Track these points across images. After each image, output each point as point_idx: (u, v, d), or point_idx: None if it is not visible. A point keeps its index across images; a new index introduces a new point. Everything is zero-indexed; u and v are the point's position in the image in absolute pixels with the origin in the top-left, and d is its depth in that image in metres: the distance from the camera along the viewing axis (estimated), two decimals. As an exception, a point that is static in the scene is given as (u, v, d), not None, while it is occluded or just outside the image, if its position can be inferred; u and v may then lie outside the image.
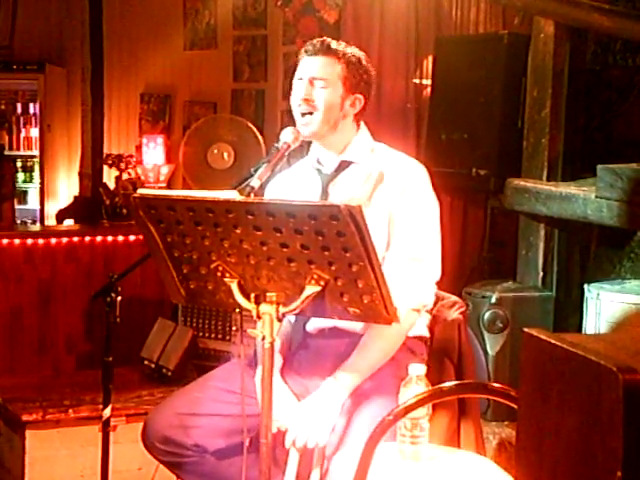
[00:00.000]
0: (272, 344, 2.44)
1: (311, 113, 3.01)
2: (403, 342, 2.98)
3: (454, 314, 3.14)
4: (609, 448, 1.28)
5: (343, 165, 3.09)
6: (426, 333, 3.12)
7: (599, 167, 4.29)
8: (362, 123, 3.16)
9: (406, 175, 3.03)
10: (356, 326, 2.98)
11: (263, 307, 2.44)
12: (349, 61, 3.05)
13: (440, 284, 3.12)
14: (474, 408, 3.06)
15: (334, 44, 3.07)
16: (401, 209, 2.99)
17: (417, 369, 2.55)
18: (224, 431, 2.99)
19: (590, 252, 5.21)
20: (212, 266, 2.49)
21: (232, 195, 2.44)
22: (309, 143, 3.16)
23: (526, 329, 1.53)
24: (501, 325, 4.65)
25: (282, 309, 2.44)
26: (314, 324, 3.08)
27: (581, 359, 1.36)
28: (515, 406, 1.69)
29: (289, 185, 3.21)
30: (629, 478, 1.25)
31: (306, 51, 3.07)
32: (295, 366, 3.09)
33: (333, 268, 2.36)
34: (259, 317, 2.44)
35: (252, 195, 2.75)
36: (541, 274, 4.96)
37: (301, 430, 2.80)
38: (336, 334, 3.03)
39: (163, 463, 3.06)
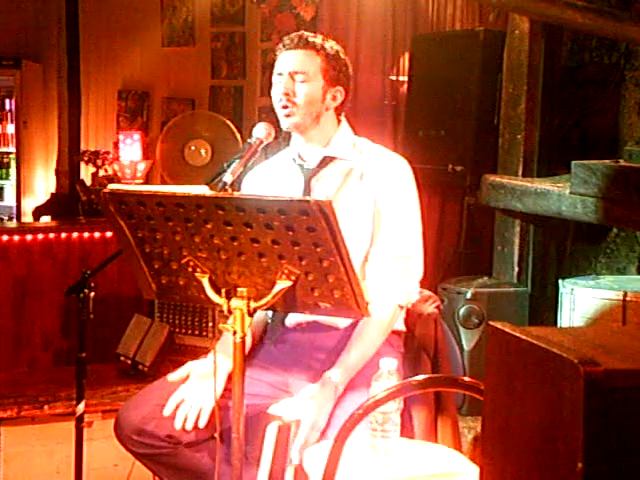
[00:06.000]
0: (243, 339, 2.45)
1: (292, 107, 3.01)
2: None
3: (429, 308, 3.15)
4: (570, 440, 1.29)
5: (326, 160, 3.08)
6: (402, 327, 3.13)
7: (574, 163, 4.31)
8: (343, 118, 3.16)
9: (392, 171, 3.04)
10: (335, 320, 2.99)
11: (234, 302, 2.44)
12: (328, 54, 3.05)
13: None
14: (451, 403, 3.07)
15: (312, 37, 3.06)
16: (388, 205, 2.99)
17: (388, 363, 2.56)
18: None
19: (566, 248, 5.24)
20: (183, 261, 2.49)
21: (202, 190, 2.44)
22: (289, 136, 3.16)
23: (491, 322, 1.54)
24: (476, 321, 4.66)
25: (253, 304, 2.44)
26: (293, 318, 3.08)
27: (544, 352, 1.37)
28: (483, 399, 1.70)
29: (268, 178, 3.20)
30: (590, 469, 1.26)
31: (284, 46, 3.06)
32: (274, 360, 3.09)
33: (304, 263, 2.36)
34: (230, 312, 2.45)
35: (230, 190, 2.75)
36: (516, 270, 4.98)
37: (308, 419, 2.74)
38: (314, 328, 3.04)
39: (136, 455, 3.03)
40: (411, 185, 3.06)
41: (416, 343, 3.12)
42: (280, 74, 3.05)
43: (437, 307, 3.19)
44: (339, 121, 3.14)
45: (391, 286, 2.94)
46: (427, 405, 2.97)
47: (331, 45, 3.09)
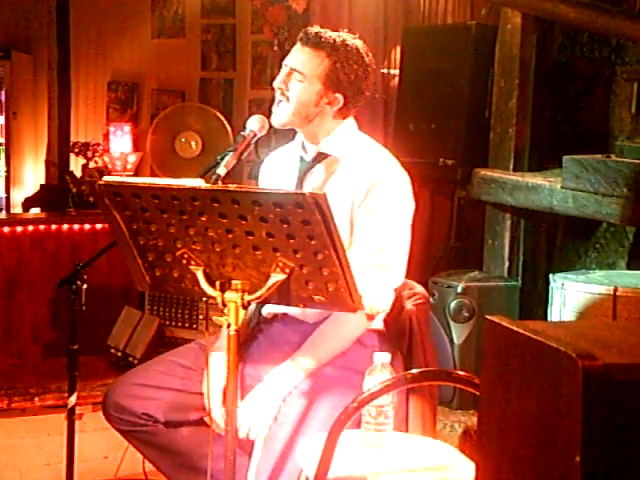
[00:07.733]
0: (237, 332, 2.45)
1: (283, 101, 2.97)
2: None
3: (408, 305, 3.12)
4: (568, 434, 1.29)
5: (321, 156, 3.04)
6: (380, 326, 3.07)
7: (565, 158, 4.32)
8: (351, 116, 3.07)
9: (372, 175, 2.92)
10: (306, 315, 2.98)
11: (228, 295, 2.44)
12: (337, 59, 2.93)
13: (407, 273, 3.07)
14: (425, 390, 3.04)
15: (328, 38, 2.94)
16: (366, 207, 2.91)
17: (382, 357, 2.56)
18: (179, 406, 3.00)
19: (556, 242, 5.25)
20: (177, 254, 2.49)
21: (198, 183, 2.44)
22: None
23: (488, 316, 1.54)
24: (467, 314, 4.67)
25: (247, 297, 2.44)
26: (268, 309, 3.09)
27: (541, 346, 1.36)
28: (478, 393, 1.70)
29: (274, 168, 3.19)
30: (587, 463, 1.26)
31: (300, 39, 2.98)
32: (250, 350, 3.09)
33: (298, 256, 2.36)
34: (224, 305, 2.45)
35: (219, 183, 2.74)
36: (507, 264, 4.98)
37: (242, 423, 2.78)
38: (287, 321, 3.05)
39: (119, 432, 3.08)
40: (397, 188, 2.95)
41: (390, 339, 3.10)
42: (285, 65, 3.00)
43: (419, 304, 3.15)
44: (344, 118, 3.05)
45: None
46: (397, 392, 2.95)
47: (347, 48, 2.95)
